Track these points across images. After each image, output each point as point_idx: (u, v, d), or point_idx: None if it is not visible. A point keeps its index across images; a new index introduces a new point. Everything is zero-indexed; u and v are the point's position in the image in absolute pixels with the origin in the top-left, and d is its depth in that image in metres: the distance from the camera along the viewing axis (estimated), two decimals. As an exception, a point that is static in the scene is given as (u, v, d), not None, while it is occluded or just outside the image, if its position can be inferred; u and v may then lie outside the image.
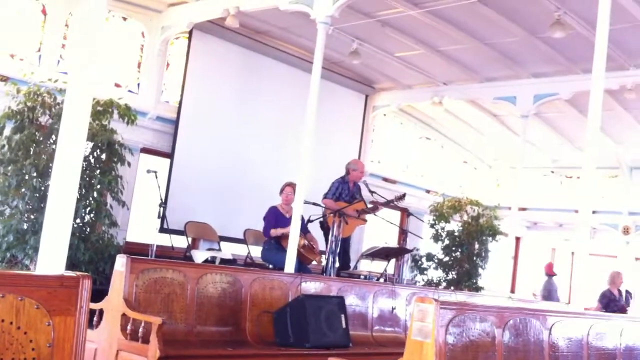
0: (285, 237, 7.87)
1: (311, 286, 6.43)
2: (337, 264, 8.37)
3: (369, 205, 9.08)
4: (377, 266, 9.80)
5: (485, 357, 3.86)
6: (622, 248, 15.00)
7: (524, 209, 14.55)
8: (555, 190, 16.33)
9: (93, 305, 4.73)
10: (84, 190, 7.45)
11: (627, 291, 14.93)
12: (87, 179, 7.58)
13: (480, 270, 11.81)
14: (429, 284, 11.63)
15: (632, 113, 12.58)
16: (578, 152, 13.91)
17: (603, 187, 14.94)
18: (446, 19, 9.96)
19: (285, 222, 8.22)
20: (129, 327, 4.80)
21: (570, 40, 9.64)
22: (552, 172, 16.69)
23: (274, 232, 8.39)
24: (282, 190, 8.65)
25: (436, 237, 11.90)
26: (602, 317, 5.35)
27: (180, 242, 9.46)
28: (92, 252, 7.43)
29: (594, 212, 11.75)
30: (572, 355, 4.53)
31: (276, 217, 8.47)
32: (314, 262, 8.70)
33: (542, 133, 14.28)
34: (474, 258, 11.74)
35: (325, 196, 9.03)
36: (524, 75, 11.61)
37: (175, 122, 10.38)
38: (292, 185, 8.43)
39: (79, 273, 2.83)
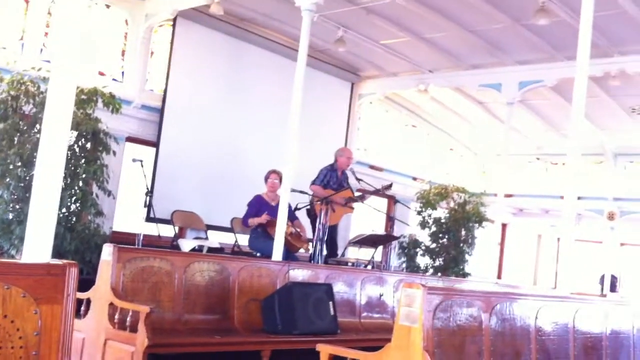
0: (272, 224, 7.87)
1: (299, 274, 6.43)
2: (324, 252, 8.39)
3: (356, 194, 9.10)
4: (365, 253, 9.83)
5: (473, 342, 3.88)
6: (607, 234, 15.14)
7: (510, 196, 14.62)
8: (541, 177, 16.44)
9: (80, 295, 4.71)
10: (69, 179, 7.40)
11: (612, 276, 15.11)
12: (72, 168, 7.53)
13: (466, 256, 11.87)
14: (416, 270, 11.68)
15: (616, 100, 12.66)
16: (563, 139, 14.01)
17: (588, 174, 15.06)
18: (431, 6, 9.96)
19: (271, 210, 8.21)
20: (116, 316, 4.79)
21: (554, 27, 9.67)
22: (538, 158, 16.80)
23: (252, 221, 8.37)
24: (267, 178, 8.62)
25: (423, 224, 11.94)
26: (588, 302, 5.40)
27: (167, 231, 9.42)
28: (78, 241, 7.39)
29: (579, 198, 11.85)
30: (558, 339, 4.56)
31: (260, 206, 8.45)
32: (301, 250, 8.71)
33: (527, 120, 14.35)
34: (461, 245, 11.80)
35: (313, 182, 9.03)
36: (509, 63, 11.64)
37: (161, 111, 10.32)
38: (276, 172, 8.43)
39: (65, 261, 2.81)
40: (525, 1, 9.29)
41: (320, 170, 9.14)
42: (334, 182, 9.08)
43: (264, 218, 8.27)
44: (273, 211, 8.04)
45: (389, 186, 9.07)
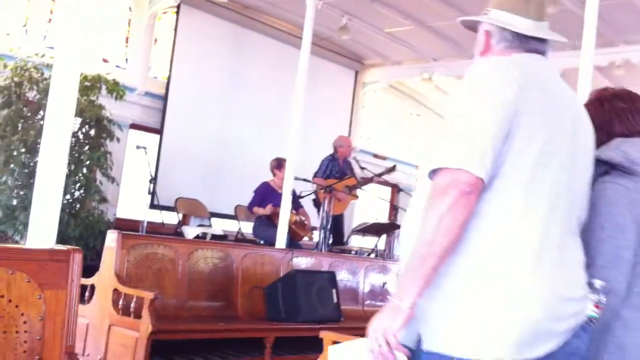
0: (277, 214, 7.85)
1: (302, 261, 6.45)
2: (329, 240, 8.39)
3: (360, 182, 9.10)
4: (368, 242, 9.84)
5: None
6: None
7: (513, 185, 14.60)
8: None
9: (84, 281, 4.73)
10: (73, 166, 7.41)
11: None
12: (76, 155, 7.54)
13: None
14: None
15: (621, 89, 12.61)
16: (567, 128, 13.95)
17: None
18: (436, -6, 9.92)
19: (279, 197, 8.13)
20: (120, 302, 4.81)
21: (559, 16, 9.58)
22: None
23: (256, 210, 8.35)
24: (280, 166, 8.41)
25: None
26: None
27: (171, 218, 9.44)
28: (82, 228, 7.40)
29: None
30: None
31: (266, 194, 8.42)
32: (305, 238, 8.71)
33: (531, 109, 14.30)
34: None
35: (316, 175, 9.02)
36: (514, 51, 11.58)
37: (164, 98, 10.30)
38: None
39: (69, 247, 2.82)
40: (531, -11, 9.24)
41: (322, 161, 9.13)
42: (336, 172, 9.07)
43: (268, 209, 8.20)
44: (281, 199, 7.95)
45: (393, 168, 9.08)
